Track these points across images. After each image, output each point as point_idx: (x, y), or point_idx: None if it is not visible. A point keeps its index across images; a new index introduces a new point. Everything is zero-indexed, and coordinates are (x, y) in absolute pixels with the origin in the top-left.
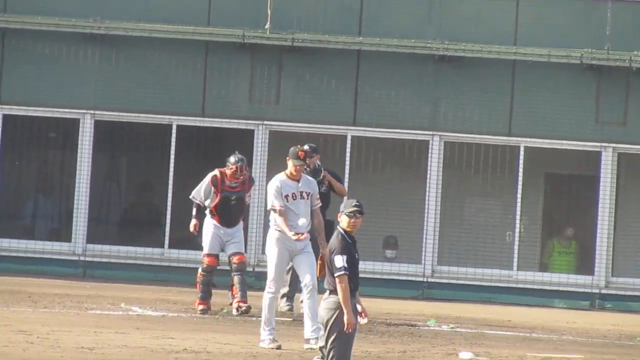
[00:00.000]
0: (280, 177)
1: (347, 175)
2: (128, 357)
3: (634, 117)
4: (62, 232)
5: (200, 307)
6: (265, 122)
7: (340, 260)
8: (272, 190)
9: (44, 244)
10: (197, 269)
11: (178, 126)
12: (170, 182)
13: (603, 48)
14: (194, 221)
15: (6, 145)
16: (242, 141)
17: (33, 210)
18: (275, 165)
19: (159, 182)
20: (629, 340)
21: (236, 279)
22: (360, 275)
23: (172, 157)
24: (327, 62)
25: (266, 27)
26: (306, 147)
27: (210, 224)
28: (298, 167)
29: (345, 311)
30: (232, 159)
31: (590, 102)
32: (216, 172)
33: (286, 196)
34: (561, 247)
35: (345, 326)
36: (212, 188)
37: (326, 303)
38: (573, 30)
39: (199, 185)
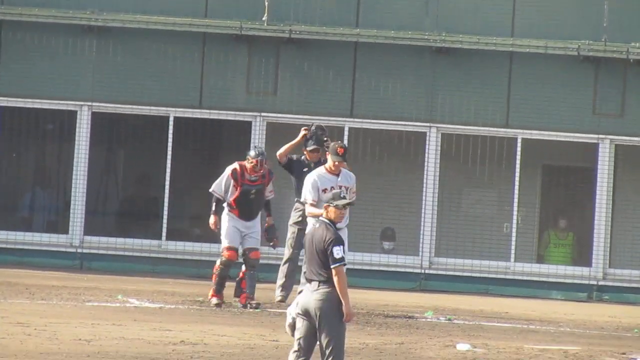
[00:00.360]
0: (319, 171)
1: None
2: (125, 348)
3: (631, 108)
4: (60, 224)
5: (215, 300)
6: (263, 114)
7: (339, 251)
8: (308, 184)
9: (41, 236)
10: (194, 260)
11: (175, 118)
12: (168, 173)
13: (600, 40)
14: (213, 218)
15: (3, 137)
16: (240, 133)
17: (30, 202)
18: (272, 156)
19: (156, 174)
20: (627, 332)
21: (247, 274)
22: (358, 267)
23: (170, 148)
24: (325, 54)
25: (263, 18)
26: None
27: (229, 218)
28: (337, 163)
29: (344, 302)
30: (252, 152)
31: (588, 93)
32: (236, 165)
33: (324, 190)
34: (557, 238)
35: (345, 317)
36: (232, 181)
37: (318, 294)
38: (570, 22)
39: (219, 178)
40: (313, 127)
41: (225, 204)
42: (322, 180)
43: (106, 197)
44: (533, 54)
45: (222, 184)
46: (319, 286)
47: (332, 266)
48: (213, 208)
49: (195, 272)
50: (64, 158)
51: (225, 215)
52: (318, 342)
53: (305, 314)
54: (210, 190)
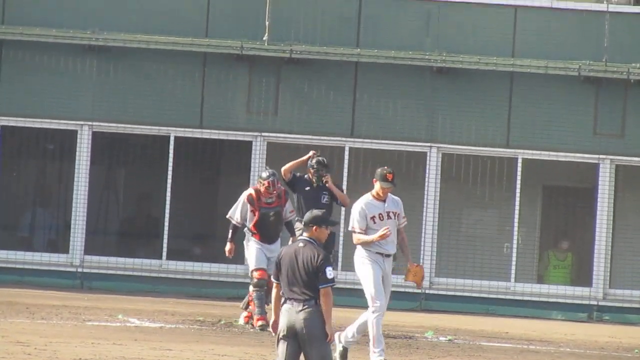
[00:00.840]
0: (366, 199)
1: (345, 187)
2: None
3: (632, 129)
4: (60, 244)
5: (260, 322)
6: (263, 134)
7: (331, 272)
8: (355, 212)
9: (41, 255)
10: (194, 280)
11: (176, 137)
12: (168, 193)
13: (601, 60)
14: (229, 245)
15: (4, 157)
16: (240, 153)
17: (31, 222)
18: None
19: (157, 194)
20: (627, 352)
21: (255, 295)
22: (359, 287)
23: (170, 168)
24: (325, 74)
25: (264, 38)
26: (315, 161)
27: (252, 242)
28: (385, 189)
29: (328, 323)
30: (263, 174)
31: (588, 114)
32: (251, 190)
33: (372, 217)
34: (556, 259)
35: (328, 338)
36: (249, 206)
37: (305, 314)
38: (571, 42)
39: (235, 205)
40: (314, 162)
41: (245, 230)
42: (369, 208)
43: (107, 216)
44: (533, 74)
45: (237, 210)
46: (303, 305)
47: (322, 286)
48: (229, 236)
49: (196, 292)
50: (65, 177)
51: (249, 239)
52: None
53: (291, 334)
54: (227, 216)
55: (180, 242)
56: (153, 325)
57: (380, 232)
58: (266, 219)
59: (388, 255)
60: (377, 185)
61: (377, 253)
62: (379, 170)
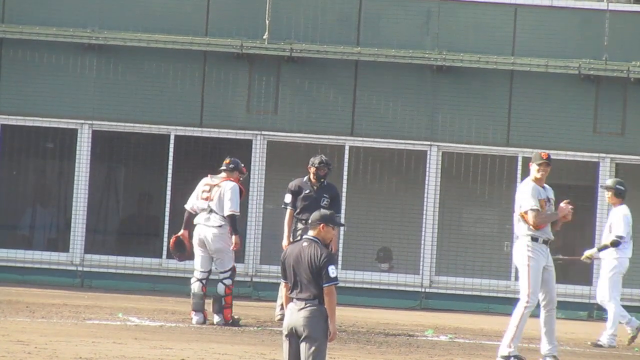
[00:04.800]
0: (531, 183)
1: (345, 186)
2: None
3: (632, 127)
4: (60, 242)
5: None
6: (263, 133)
7: (334, 271)
8: (526, 193)
9: (41, 254)
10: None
11: (176, 136)
12: (168, 192)
13: (601, 58)
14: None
15: (4, 155)
16: (240, 151)
17: (31, 220)
18: (273, 175)
19: (157, 192)
20: (627, 351)
21: None
22: (359, 285)
23: (170, 167)
24: (325, 73)
25: (264, 37)
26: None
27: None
28: (542, 169)
29: (331, 321)
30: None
31: (588, 112)
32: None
33: (540, 201)
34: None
35: (331, 335)
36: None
37: (306, 312)
38: (571, 41)
39: (236, 199)
40: (316, 161)
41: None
42: (538, 190)
43: (107, 215)
44: (534, 73)
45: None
46: (305, 304)
47: (325, 285)
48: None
49: None
50: (65, 176)
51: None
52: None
53: (292, 333)
54: (235, 210)
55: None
56: (153, 324)
57: (565, 209)
58: None
59: (549, 242)
60: (534, 168)
61: (543, 242)
62: (534, 153)
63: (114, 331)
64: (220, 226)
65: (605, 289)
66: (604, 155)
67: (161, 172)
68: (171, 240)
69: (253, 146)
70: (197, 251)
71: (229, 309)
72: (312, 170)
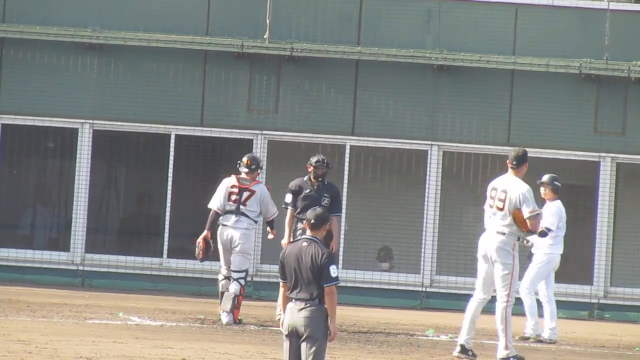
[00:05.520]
0: (524, 183)
1: (345, 185)
2: None
3: (633, 127)
4: (61, 242)
5: None
6: (264, 132)
7: (335, 270)
8: (529, 194)
9: (42, 253)
10: (195, 278)
11: (177, 136)
12: (169, 191)
13: (602, 58)
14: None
15: (5, 155)
16: (241, 151)
17: (31, 220)
18: (273, 175)
19: (158, 192)
20: (628, 351)
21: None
22: (359, 285)
23: (171, 166)
24: (326, 72)
25: (265, 36)
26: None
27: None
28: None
29: (332, 321)
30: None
31: (589, 112)
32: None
33: None
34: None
35: (332, 335)
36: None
37: (306, 312)
38: (572, 40)
39: (271, 200)
40: (314, 160)
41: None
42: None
43: (107, 214)
44: (534, 72)
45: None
46: (305, 304)
47: (326, 284)
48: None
49: (197, 290)
50: (65, 176)
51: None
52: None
53: (293, 333)
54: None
55: (180, 240)
56: (154, 324)
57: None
58: None
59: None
60: (525, 168)
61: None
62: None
63: (115, 330)
64: (247, 228)
65: (527, 281)
66: (604, 154)
67: (162, 171)
68: (201, 244)
69: (253, 146)
70: (222, 251)
71: (238, 310)
72: (310, 169)
